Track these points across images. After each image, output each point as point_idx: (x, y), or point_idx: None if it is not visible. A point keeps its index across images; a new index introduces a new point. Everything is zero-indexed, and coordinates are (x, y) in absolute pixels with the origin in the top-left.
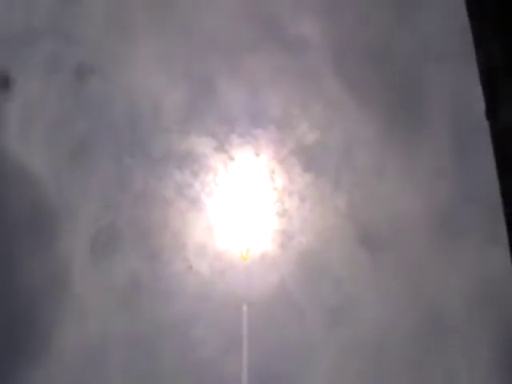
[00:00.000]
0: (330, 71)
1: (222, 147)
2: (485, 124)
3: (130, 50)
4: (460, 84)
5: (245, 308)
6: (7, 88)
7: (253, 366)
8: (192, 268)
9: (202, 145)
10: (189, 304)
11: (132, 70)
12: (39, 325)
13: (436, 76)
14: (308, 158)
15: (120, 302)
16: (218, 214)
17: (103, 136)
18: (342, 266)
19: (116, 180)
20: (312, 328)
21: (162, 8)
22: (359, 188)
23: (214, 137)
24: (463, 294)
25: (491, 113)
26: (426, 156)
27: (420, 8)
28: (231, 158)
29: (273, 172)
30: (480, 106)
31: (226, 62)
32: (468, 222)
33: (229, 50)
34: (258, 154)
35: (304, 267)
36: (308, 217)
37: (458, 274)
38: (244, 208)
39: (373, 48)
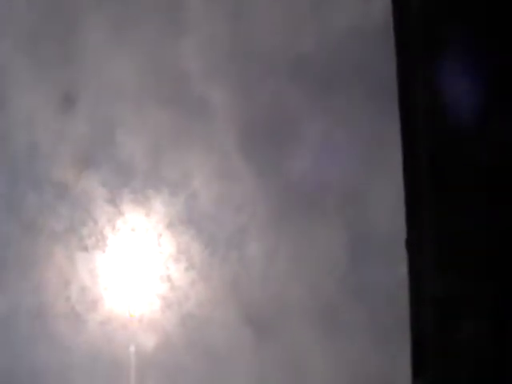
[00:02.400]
0: (233, 146)
1: (113, 200)
2: (385, 225)
3: (36, 79)
4: (358, 186)
5: (132, 349)
6: None
7: None
8: (74, 309)
9: (95, 192)
10: (68, 348)
11: (34, 102)
12: None
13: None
14: (198, 228)
15: None
16: (102, 265)
17: (1, 161)
18: (223, 341)
19: (7, 204)
20: None
21: (75, 43)
22: (247, 267)
23: (107, 187)
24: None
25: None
26: (320, 247)
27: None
28: (121, 213)
29: (160, 235)
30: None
31: (131, 113)
32: (353, 320)
33: (135, 101)
34: (148, 215)
35: (181, 338)
36: (191, 287)
37: (340, 368)
38: (127, 266)
39: (281, 133)
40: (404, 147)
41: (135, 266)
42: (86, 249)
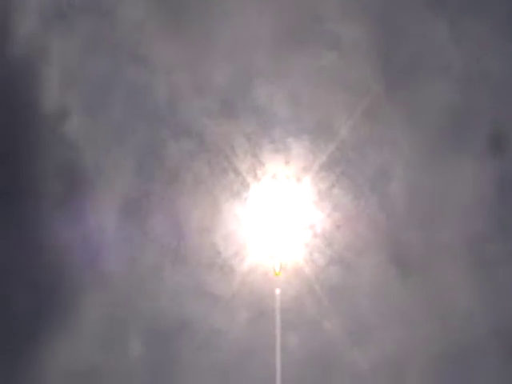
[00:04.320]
0: (374, 85)
1: (252, 150)
2: None
3: (174, 33)
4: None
5: (278, 292)
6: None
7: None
8: (219, 257)
9: (234, 143)
10: (213, 296)
11: (173, 54)
12: (63, 293)
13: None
14: (340, 172)
15: (144, 281)
16: (245, 213)
17: (143, 112)
18: (368, 283)
19: (150, 153)
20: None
21: None
22: (391, 208)
23: (246, 137)
24: (490, 328)
25: None
26: (466, 182)
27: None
28: (261, 163)
29: (301, 182)
30: None
31: (267, 61)
32: (502, 252)
33: (271, 48)
34: (287, 163)
35: (324, 284)
36: (334, 232)
37: (486, 308)
38: (270, 214)
39: (423, 67)
40: None
41: (278, 213)
42: (228, 197)
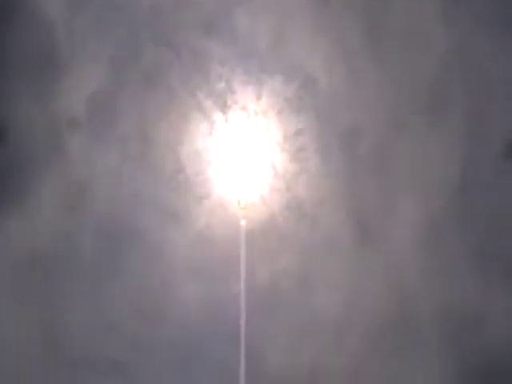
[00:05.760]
0: (360, 40)
1: (225, 77)
2: None
3: None
4: None
5: (243, 223)
6: None
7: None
8: (184, 173)
9: (209, 67)
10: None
11: None
12: (20, 176)
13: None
14: (309, 121)
15: (103, 181)
16: (210, 136)
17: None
18: (324, 233)
19: (127, 52)
20: None
21: None
22: (354, 166)
23: (221, 64)
24: (433, 303)
25: None
26: (433, 157)
27: None
28: (232, 91)
29: (269, 121)
30: None
31: None
32: (458, 234)
33: None
34: (259, 98)
35: (281, 226)
36: (294, 178)
37: (433, 284)
38: (234, 146)
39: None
40: None
41: (243, 146)
42: (197, 117)
